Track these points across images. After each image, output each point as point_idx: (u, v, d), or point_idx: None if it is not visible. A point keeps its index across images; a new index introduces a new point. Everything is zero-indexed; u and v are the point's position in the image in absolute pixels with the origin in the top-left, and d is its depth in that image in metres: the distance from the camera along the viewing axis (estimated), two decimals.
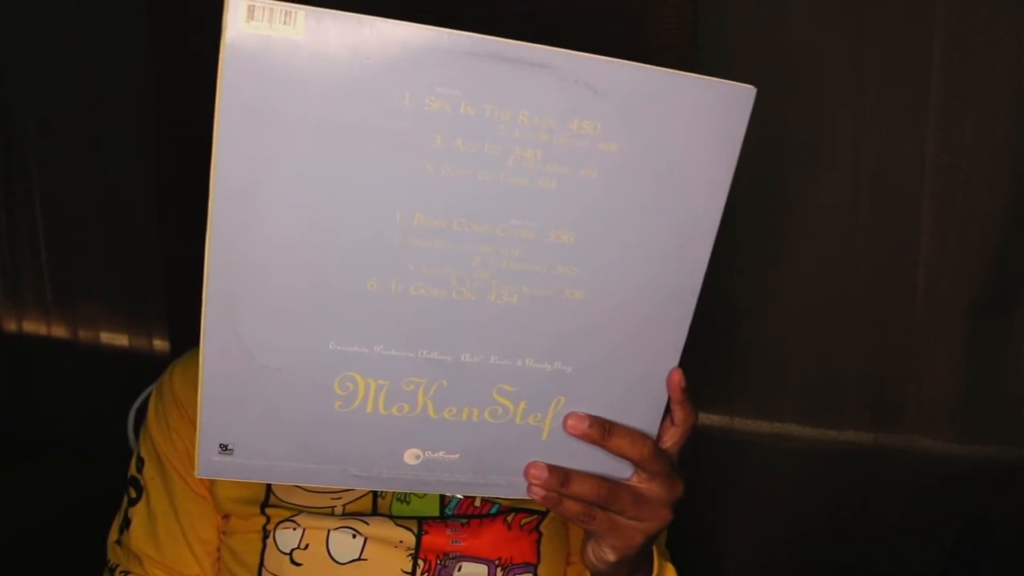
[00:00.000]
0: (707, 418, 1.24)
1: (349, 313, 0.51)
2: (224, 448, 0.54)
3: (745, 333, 1.21)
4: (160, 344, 1.68)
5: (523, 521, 0.76)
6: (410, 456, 0.55)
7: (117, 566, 0.76)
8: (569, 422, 0.54)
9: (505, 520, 0.76)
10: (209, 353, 0.51)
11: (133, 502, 0.77)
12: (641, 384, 0.55)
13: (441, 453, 0.55)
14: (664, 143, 0.50)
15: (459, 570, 0.74)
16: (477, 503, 0.76)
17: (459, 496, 0.76)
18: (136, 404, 1.01)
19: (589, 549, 0.60)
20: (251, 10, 0.43)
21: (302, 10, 0.44)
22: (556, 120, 0.48)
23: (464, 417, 0.54)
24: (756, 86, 0.50)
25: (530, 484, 0.54)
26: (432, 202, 0.49)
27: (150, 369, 0.93)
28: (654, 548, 0.64)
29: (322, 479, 0.55)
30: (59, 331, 1.79)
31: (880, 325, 1.17)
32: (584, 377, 0.54)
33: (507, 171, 0.49)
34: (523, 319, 0.52)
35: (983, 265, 1.12)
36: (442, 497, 0.76)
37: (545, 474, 0.54)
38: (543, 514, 0.77)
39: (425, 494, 0.74)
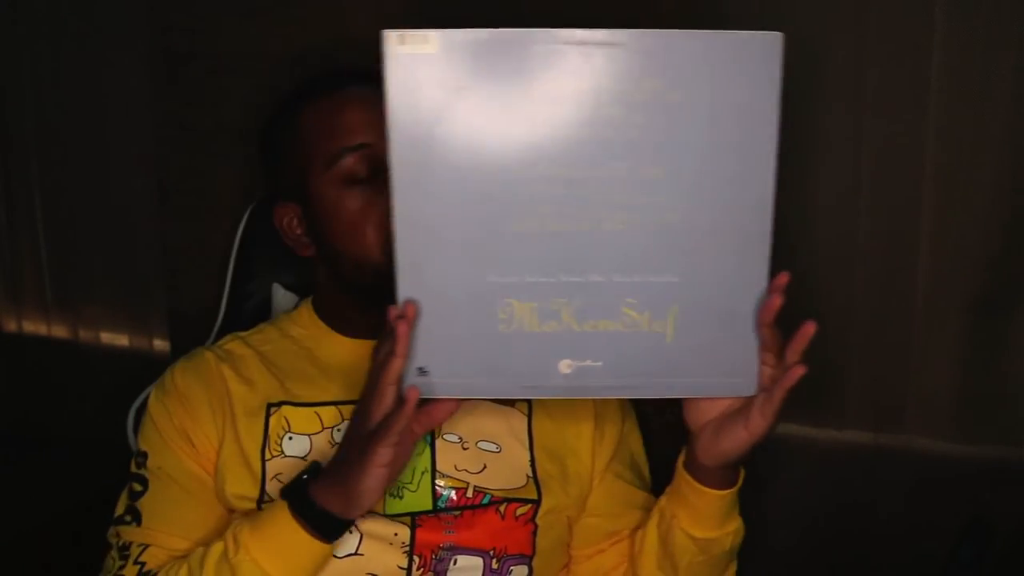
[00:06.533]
0: None
1: (502, 251, 0.64)
2: (422, 371, 0.66)
3: None
4: (160, 344, 1.68)
5: (518, 511, 0.77)
6: (564, 366, 0.67)
7: (132, 543, 0.76)
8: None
9: (498, 510, 0.76)
10: (404, 295, 0.65)
11: (139, 495, 0.78)
12: (740, 291, 0.67)
13: (588, 361, 0.67)
14: (716, 87, 0.63)
15: (454, 563, 0.75)
16: (469, 493, 0.77)
17: (452, 495, 0.77)
18: (136, 404, 1.01)
19: (713, 438, 0.72)
20: (401, 37, 0.61)
21: (433, 32, 0.61)
22: (632, 83, 0.62)
23: (602, 328, 0.66)
24: None
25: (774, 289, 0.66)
26: (552, 154, 0.63)
27: (150, 369, 0.93)
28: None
29: (501, 392, 0.69)
30: (59, 331, 1.79)
31: (880, 325, 1.17)
32: (691, 286, 0.66)
33: (599, 126, 0.63)
34: (633, 241, 0.65)
35: (983, 265, 1.12)
36: (434, 491, 0.77)
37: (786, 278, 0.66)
38: (536, 504, 0.78)
39: (418, 488, 0.76)
